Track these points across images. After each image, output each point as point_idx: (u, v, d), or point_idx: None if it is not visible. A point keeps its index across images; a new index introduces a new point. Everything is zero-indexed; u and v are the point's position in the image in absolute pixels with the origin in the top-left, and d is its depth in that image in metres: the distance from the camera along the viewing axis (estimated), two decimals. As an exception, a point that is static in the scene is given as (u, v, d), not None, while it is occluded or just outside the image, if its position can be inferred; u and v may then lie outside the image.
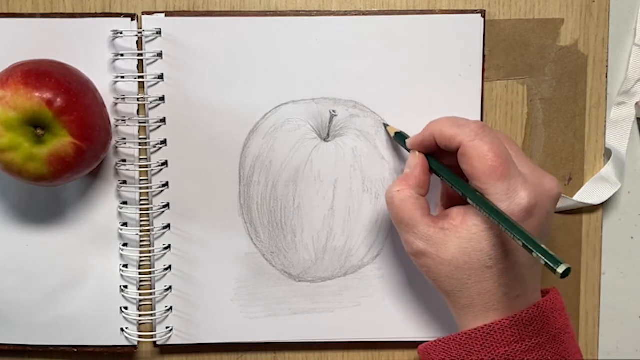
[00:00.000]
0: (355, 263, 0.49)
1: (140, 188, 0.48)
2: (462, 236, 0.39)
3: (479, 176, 0.39)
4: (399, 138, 0.46)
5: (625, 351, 0.51)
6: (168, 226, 0.48)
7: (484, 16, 0.47)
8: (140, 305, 0.49)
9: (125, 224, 0.48)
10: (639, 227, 0.51)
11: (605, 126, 0.49)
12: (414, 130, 0.47)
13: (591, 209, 0.49)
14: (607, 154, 0.49)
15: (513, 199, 0.38)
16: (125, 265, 0.48)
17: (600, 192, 0.49)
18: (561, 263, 0.33)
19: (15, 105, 0.41)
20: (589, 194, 0.49)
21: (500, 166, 0.38)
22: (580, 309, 0.50)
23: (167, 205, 0.48)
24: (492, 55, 0.48)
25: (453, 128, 0.40)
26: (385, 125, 0.47)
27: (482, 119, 0.48)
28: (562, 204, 0.49)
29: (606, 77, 0.49)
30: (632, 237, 0.51)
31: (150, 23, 0.47)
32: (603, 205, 0.50)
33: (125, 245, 0.48)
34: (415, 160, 0.43)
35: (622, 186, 0.49)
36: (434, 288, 0.43)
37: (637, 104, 0.49)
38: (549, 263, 0.34)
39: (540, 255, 0.34)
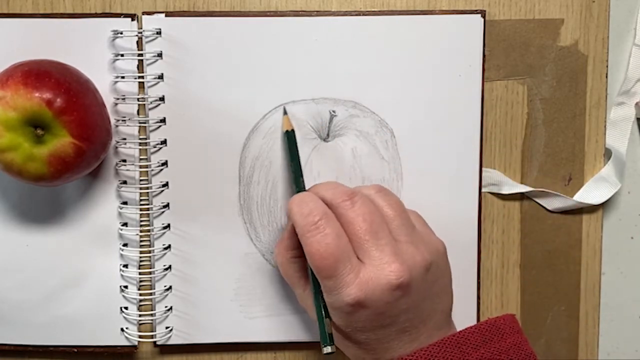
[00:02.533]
0: (355, 263, 0.49)
1: (141, 188, 0.48)
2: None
3: (312, 267, 0.40)
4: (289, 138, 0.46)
5: (625, 351, 0.51)
6: (168, 226, 0.48)
7: (484, 16, 0.47)
8: (140, 305, 0.49)
9: (125, 224, 0.48)
10: (639, 227, 0.51)
11: (605, 126, 0.49)
12: (414, 131, 0.47)
13: (591, 209, 0.49)
14: (607, 154, 0.49)
15: (339, 294, 0.39)
16: (126, 265, 0.48)
17: (600, 192, 0.49)
18: (328, 345, 0.40)
19: (15, 105, 0.41)
20: (589, 194, 0.49)
21: (325, 268, 0.39)
22: (580, 309, 0.50)
23: (167, 205, 0.48)
24: (492, 55, 0.48)
25: (298, 214, 0.40)
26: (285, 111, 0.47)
27: (482, 119, 0.48)
28: (562, 204, 0.49)
29: (606, 77, 0.49)
30: (632, 237, 0.51)
31: (150, 23, 0.46)
32: (603, 205, 0.50)
33: (125, 245, 0.48)
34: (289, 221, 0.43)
35: (622, 186, 0.49)
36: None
37: (637, 104, 0.49)
38: (321, 339, 0.41)
39: (320, 329, 0.41)
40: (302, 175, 0.45)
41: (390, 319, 0.40)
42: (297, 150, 0.46)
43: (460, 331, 0.40)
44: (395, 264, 0.39)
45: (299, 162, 0.45)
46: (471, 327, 0.40)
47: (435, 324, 0.41)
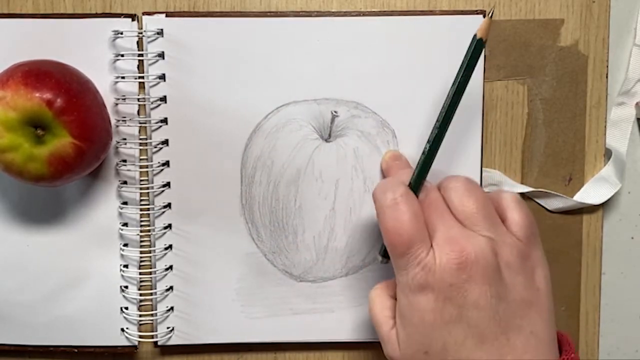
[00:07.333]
0: (357, 263, 0.49)
1: (141, 188, 0.48)
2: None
3: (386, 244, 0.41)
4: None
5: (625, 351, 0.51)
6: (169, 226, 0.48)
7: (485, 17, 0.47)
8: (140, 306, 0.49)
9: (125, 224, 0.48)
10: (639, 227, 0.51)
11: (605, 126, 0.49)
12: (415, 131, 0.47)
13: (591, 209, 0.50)
14: (608, 154, 0.49)
15: (407, 274, 0.38)
16: (126, 265, 0.48)
17: (601, 192, 0.49)
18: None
19: (15, 106, 0.41)
20: (589, 194, 0.49)
21: (398, 245, 0.39)
22: (580, 309, 0.50)
23: (169, 205, 0.48)
24: (492, 55, 0.48)
25: (378, 192, 0.41)
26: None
27: (482, 120, 0.48)
28: (563, 204, 0.49)
29: (606, 77, 0.49)
30: (632, 238, 0.51)
31: (152, 23, 0.46)
32: (603, 206, 0.50)
33: (125, 245, 0.48)
34: None
35: (622, 186, 0.49)
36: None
37: (637, 104, 0.49)
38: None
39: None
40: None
41: (458, 310, 0.37)
42: (470, 66, 0.41)
43: None
44: (458, 244, 0.37)
45: (466, 78, 0.41)
46: None
47: (524, 347, 0.37)
